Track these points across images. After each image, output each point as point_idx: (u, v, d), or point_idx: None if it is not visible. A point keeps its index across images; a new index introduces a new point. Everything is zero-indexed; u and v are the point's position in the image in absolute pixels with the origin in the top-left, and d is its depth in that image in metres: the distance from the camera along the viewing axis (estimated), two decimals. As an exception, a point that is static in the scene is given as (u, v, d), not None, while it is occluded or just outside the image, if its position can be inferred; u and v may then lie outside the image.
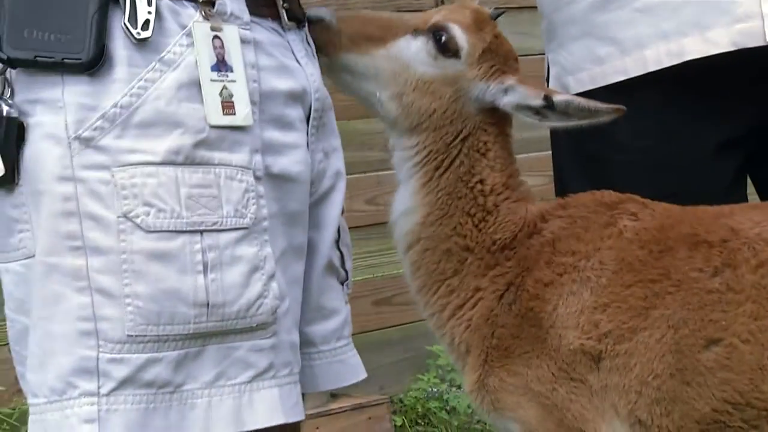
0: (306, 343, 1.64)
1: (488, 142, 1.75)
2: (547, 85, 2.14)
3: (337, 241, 1.72)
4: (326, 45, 1.73)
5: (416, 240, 1.76)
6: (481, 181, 1.74)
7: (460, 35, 1.74)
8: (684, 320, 1.58)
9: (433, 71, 1.73)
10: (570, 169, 2.14)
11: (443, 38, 1.73)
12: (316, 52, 1.69)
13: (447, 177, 1.74)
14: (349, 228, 1.79)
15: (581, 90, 2.01)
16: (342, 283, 1.74)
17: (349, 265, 1.76)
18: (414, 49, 1.74)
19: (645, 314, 1.61)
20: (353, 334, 1.76)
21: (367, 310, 3.45)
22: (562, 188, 2.14)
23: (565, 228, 1.73)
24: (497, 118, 1.76)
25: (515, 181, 1.78)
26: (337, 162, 1.70)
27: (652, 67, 1.92)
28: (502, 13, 1.93)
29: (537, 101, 1.70)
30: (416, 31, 1.75)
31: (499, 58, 1.77)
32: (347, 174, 1.73)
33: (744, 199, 2.07)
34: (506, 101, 1.73)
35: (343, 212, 1.76)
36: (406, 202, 1.77)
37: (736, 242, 1.61)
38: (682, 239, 1.65)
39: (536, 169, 3.29)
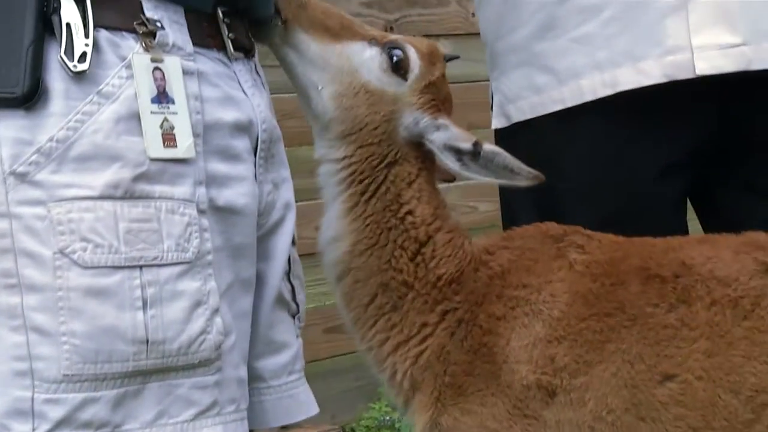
0: (255, 378, 1.62)
1: (412, 173, 1.72)
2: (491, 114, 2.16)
3: (288, 273, 1.69)
4: (288, 12, 1.70)
5: (346, 270, 1.71)
6: (410, 212, 1.70)
7: (414, 58, 1.73)
8: (640, 355, 1.57)
9: (378, 84, 1.71)
10: (516, 197, 2.14)
11: (396, 56, 1.72)
12: (276, 16, 1.67)
13: (374, 204, 1.70)
14: (299, 255, 1.77)
15: (522, 119, 2.03)
16: (293, 316, 1.71)
17: (301, 297, 1.73)
18: (366, 56, 1.72)
19: (601, 348, 1.59)
20: (305, 362, 1.74)
21: (317, 338, 3.42)
22: (509, 216, 2.15)
23: (513, 260, 1.71)
24: (422, 154, 1.74)
25: (444, 212, 1.75)
26: (287, 193, 1.68)
27: (589, 97, 1.94)
28: (456, 57, 1.95)
29: (466, 145, 1.68)
30: (373, 41, 1.74)
31: (440, 97, 1.75)
32: (298, 201, 1.71)
33: (684, 223, 2.09)
34: (435, 137, 1.71)
35: (294, 243, 1.74)
36: (333, 228, 1.72)
37: (689, 278, 1.61)
38: (633, 273, 1.64)
39: (487, 196, 3.31)
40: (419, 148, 1.73)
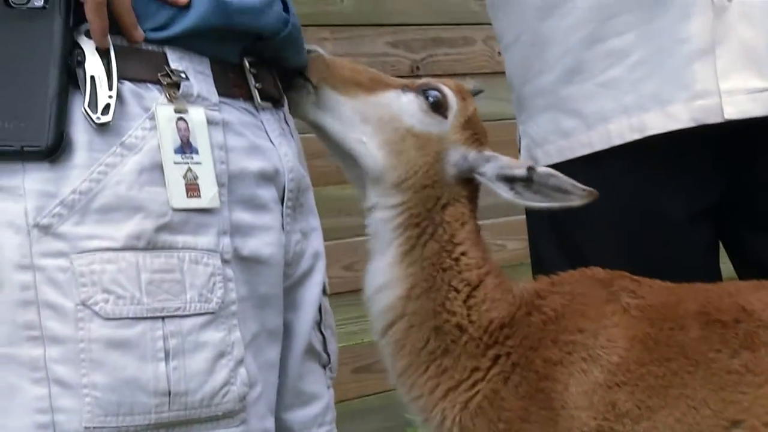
0: (284, 429, 1.60)
1: (465, 213, 1.73)
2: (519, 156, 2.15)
3: (319, 323, 1.68)
4: (316, 77, 1.71)
5: (399, 316, 1.70)
6: (464, 254, 1.70)
7: (450, 96, 1.75)
8: (705, 400, 1.56)
9: (421, 126, 1.72)
10: (542, 239, 2.13)
11: (433, 96, 1.73)
12: (307, 83, 1.68)
13: (431, 246, 1.69)
14: (328, 295, 1.76)
15: (549, 162, 2.01)
16: (324, 367, 1.69)
17: (332, 347, 1.71)
18: (404, 101, 1.73)
19: (663, 393, 1.58)
20: (334, 403, 1.72)
21: (346, 378, 3.40)
22: (536, 258, 2.13)
23: (566, 305, 1.69)
24: (470, 191, 1.75)
25: (490, 257, 1.75)
26: (316, 242, 1.66)
27: (616, 142, 1.93)
28: (481, 91, 1.96)
29: (520, 171, 1.69)
30: (405, 88, 1.75)
31: (480, 131, 1.77)
32: (324, 241, 1.70)
33: (717, 267, 2.06)
34: (486, 169, 1.72)
35: (326, 293, 1.72)
36: (384, 274, 1.71)
37: (751, 324, 1.60)
38: (692, 317, 1.63)
39: (516, 234, 3.29)
40: (467, 186, 1.74)
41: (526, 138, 2.11)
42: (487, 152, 1.74)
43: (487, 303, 1.69)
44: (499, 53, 3.87)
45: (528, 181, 1.68)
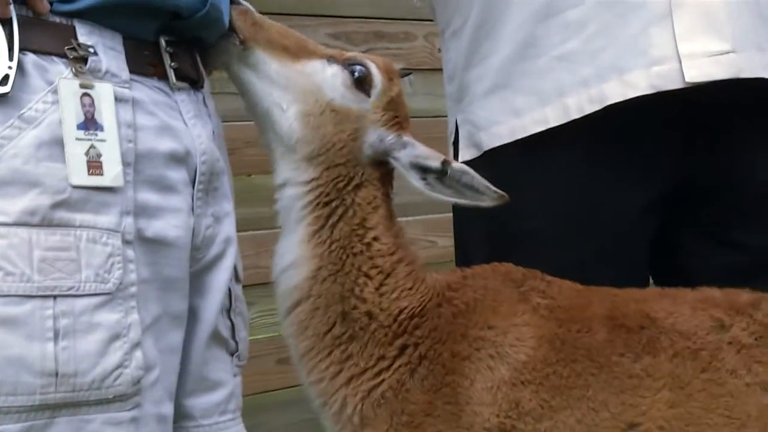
0: (184, 416, 1.57)
1: (377, 197, 1.69)
2: (455, 150, 2.10)
3: (228, 310, 1.65)
4: (245, 33, 1.66)
5: (305, 297, 1.66)
6: (376, 239, 1.67)
7: (376, 73, 1.70)
8: (605, 402, 1.57)
9: (342, 101, 1.68)
10: (471, 235, 2.09)
11: (358, 72, 1.69)
12: (234, 36, 1.63)
13: (341, 227, 1.66)
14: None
15: (497, 144, 1.97)
16: (232, 354, 1.66)
17: (242, 335, 1.69)
18: (329, 74, 1.68)
19: (567, 393, 1.58)
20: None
21: (270, 369, 3.36)
22: (463, 257, 2.10)
23: (478, 300, 1.68)
24: (383, 174, 1.71)
25: (404, 242, 1.72)
26: (228, 227, 1.63)
27: (575, 115, 1.87)
28: (409, 74, 1.92)
29: (434, 163, 1.66)
30: (331, 59, 1.70)
31: (402, 114, 1.73)
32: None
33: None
34: (401, 155, 1.68)
35: (239, 280, 1.69)
36: (292, 253, 1.67)
37: (654, 330, 1.62)
38: (599, 320, 1.64)
39: (446, 230, 3.28)
40: (381, 169, 1.70)
41: (466, 125, 2.06)
42: (406, 137, 1.70)
43: (397, 291, 1.67)
44: (439, 50, 3.87)
45: (441, 174, 1.65)
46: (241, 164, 2.93)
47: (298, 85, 1.67)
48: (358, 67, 1.69)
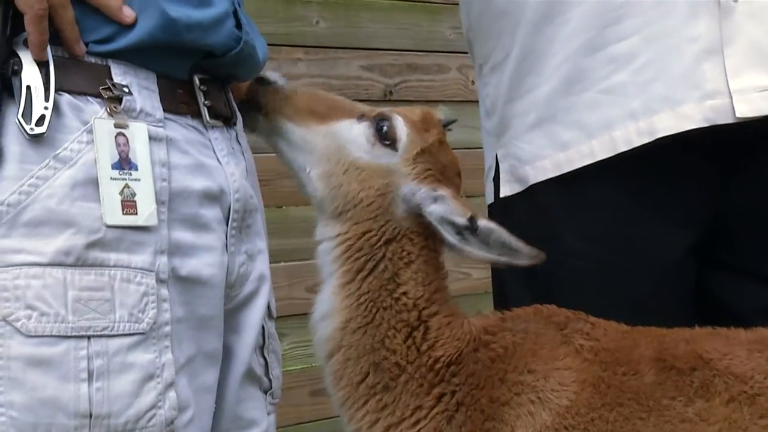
0: None
1: (412, 253, 1.66)
2: (495, 186, 2.06)
3: (262, 348, 1.65)
4: (267, 107, 1.70)
5: (337, 347, 1.65)
6: (405, 294, 1.64)
7: (400, 126, 1.68)
8: None
9: (368, 158, 1.67)
10: (510, 275, 2.06)
11: (384, 127, 1.67)
12: (255, 111, 1.66)
13: (370, 281, 1.64)
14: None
15: (542, 178, 1.93)
16: (266, 392, 1.66)
17: (275, 373, 1.68)
18: (354, 133, 1.68)
19: None
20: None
21: (303, 401, 3.35)
22: (503, 293, 2.07)
23: (518, 344, 1.64)
24: (424, 228, 1.67)
25: (443, 296, 1.68)
26: (262, 265, 1.63)
27: (622, 148, 1.84)
28: (453, 121, 1.87)
29: (461, 219, 1.62)
30: (362, 117, 1.70)
31: (437, 165, 1.70)
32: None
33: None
34: (432, 210, 1.64)
35: (272, 317, 1.69)
36: (326, 303, 1.67)
37: (706, 373, 1.57)
38: (647, 362, 1.59)
39: (477, 262, 3.26)
40: (423, 223, 1.67)
41: (508, 160, 2.02)
42: (439, 191, 1.66)
43: (428, 342, 1.64)
44: (473, 82, 3.88)
45: (470, 231, 1.62)
46: (275, 196, 2.92)
47: (320, 148, 1.68)
48: (383, 122, 1.68)
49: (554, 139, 1.93)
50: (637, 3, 1.84)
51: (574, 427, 1.55)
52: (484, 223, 1.62)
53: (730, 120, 1.80)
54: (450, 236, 1.63)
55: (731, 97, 1.80)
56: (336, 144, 1.68)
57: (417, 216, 1.67)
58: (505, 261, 1.62)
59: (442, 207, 1.64)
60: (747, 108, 1.80)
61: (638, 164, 1.85)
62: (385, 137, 1.67)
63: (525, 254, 1.60)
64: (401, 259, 1.65)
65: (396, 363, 1.63)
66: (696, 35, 1.82)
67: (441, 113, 1.80)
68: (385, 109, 1.74)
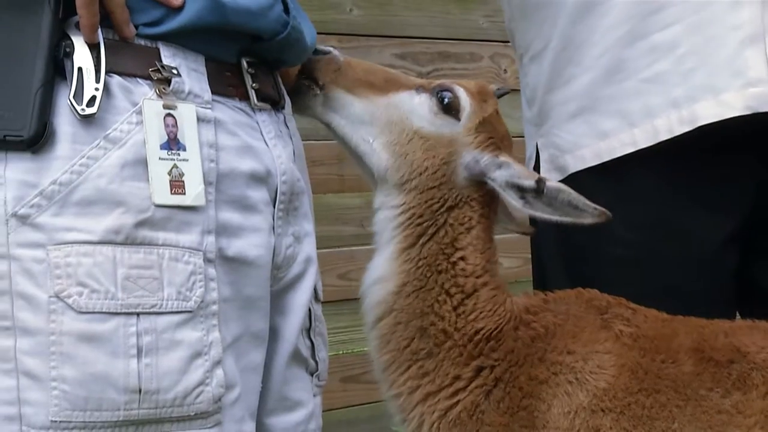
0: None
1: (473, 218, 1.70)
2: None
3: (308, 330, 1.66)
4: (325, 78, 1.72)
5: (388, 311, 1.68)
6: (463, 258, 1.68)
7: (464, 97, 1.73)
8: None
9: (431, 128, 1.71)
10: (551, 259, 2.07)
11: (446, 97, 1.72)
12: (313, 84, 1.68)
13: (429, 246, 1.67)
14: (321, 302, 1.74)
15: (582, 167, 1.95)
16: (312, 374, 1.67)
17: (321, 355, 1.69)
18: (416, 102, 1.72)
19: (650, 424, 1.54)
20: None
21: (334, 387, 3.37)
22: (542, 278, 2.08)
23: (559, 324, 1.66)
24: (484, 195, 1.72)
25: (494, 267, 1.72)
26: (308, 247, 1.64)
27: (664, 136, 1.85)
28: (507, 92, 1.93)
29: (529, 182, 1.65)
30: (420, 88, 1.74)
31: (497, 134, 1.74)
32: (320, 248, 1.68)
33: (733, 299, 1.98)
34: (497, 175, 1.69)
35: (318, 300, 1.70)
36: (381, 269, 1.70)
37: (744, 365, 1.57)
38: (685, 352, 1.60)
39: (512, 251, 3.27)
40: (481, 191, 1.71)
41: (548, 149, 2.05)
42: (502, 158, 1.70)
43: (476, 313, 1.66)
44: (505, 70, 3.88)
45: (537, 193, 1.65)
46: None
47: (383, 118, 1.71)
48: (445, 93, 1.72)
49: (595, 128, 1.94)
50: None
51: (610, 410, 1.56)
52: (551, 184, 1.65)
53: None
54: (514, 200, 1.67)
55: None
56: (399, 114, 1.71)
57: (478, 183, 1.71)
58: (570, 220, 1.64)
59: (508, 171, 1.69)
60: None
61: (679, 153, 1.85)
62: (448, 108, 1.72)
63: (590, 213, 1.63)
64: (462, 224, 1.69)
65: (443, 330, 1.66)
66: (739, 23, 1.82)
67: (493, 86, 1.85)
68: (445, 81, 1.77)
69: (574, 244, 1.97)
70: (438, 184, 1.69)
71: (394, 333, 1.68)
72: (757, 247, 1.97)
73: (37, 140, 1.29)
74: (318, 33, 3.32)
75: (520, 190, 1.67)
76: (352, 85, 1.72)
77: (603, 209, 1.62)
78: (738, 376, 1.56)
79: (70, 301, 1.29)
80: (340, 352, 3.40)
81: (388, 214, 1.71)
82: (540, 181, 1.65)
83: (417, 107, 1.71)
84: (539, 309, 1.70)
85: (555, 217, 1.65)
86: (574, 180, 1.96)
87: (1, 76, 1.30)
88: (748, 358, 1.58)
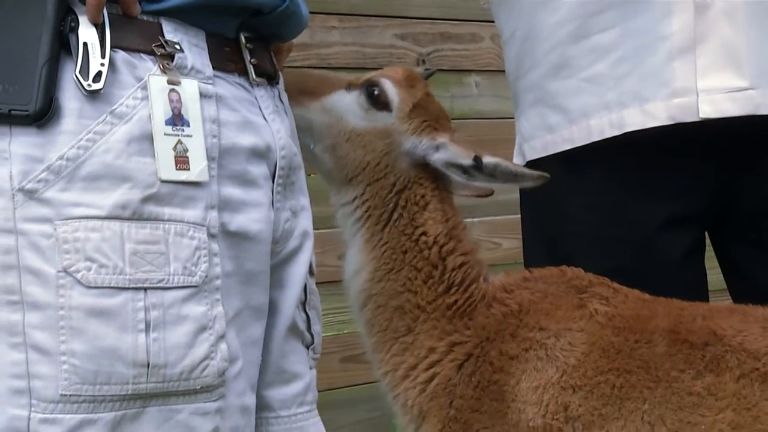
0: (264, 407, 1.59)
1: (426, 195, 1.77)
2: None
3: (304, 303, 1.67)
4: None
5: (368, 297, 1.77)
6: (425, 233, 1.74)
7: (390, 89, 1.78)
8: (662, 418, 1.55)
9: (365, 124, 1.77)
10: (532, 239, 2.13)
11: (375, 92, 1.77)
12: None
13: (389, 231, 1.75)
14: (320, 283, 1.75)
15: (535, 157, 2.02)
16: (307, 347, 1.69)
17: (316, 329, 1.70)
18: (347, 102, 1.78)
19: (619, 404, 1.57)
20: (320, 391, 1.71)
21: (334, 367, 3.39)
22: (527, 256, 2.12)
23: (533, 302, 1.70)
24: (432, 173, 1.78)
25: (460, 233, 1.77)
26: (305, 221, 1.66)
27: (596, 137, 1.92)
28: (433, 72, 2.03)
29: (466, 161, 1.73)
30: (350, 86, 1.79)
31: (431, 115, 1.80)
32: (320, 228, 1.70)
33: (697, 278, 2.02)
34: (436, 158, 1.76)
35: (312, 273, 1.71)
36: (354, 261, 1.79)
37: (719, 348, 1.59)
38: (660, 333, 1.62)
39: (511, 232, 3.28)
40: (428, 169, 1.78)
41: (518, 134, 2.13)
42: (439, 139, 1.76)
43: (444, 284, 1.73)
44: (505, 51, 3.89)
45: (477, 169, 1.72)
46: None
47: (319, 123, 1.79)
48: (373, 88, 1.79)
49: (544, 121, 2.02)
50: None
51: (580, 387, 1.59)
52: (488, 159, 1.72)
53: (694, 119, 1.84)
54: (458, 177, 1.76)
55: (698, 96, 1.84)
56: (333, 116, 1.78)
57: (423, 164, 1.78)
58: (512, 185, 1.75)
59: (446, 153, 1.76)
60: (710, 109, 1.84)
61: (624, 148, 1.91)
62: (377, 101, 1.78)
63: (529, 177, 1.71)
64: (416, 203, 1.77)
65: (417, 305, 1.74)
66: (669, 33, 1.86)
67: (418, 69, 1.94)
68: (370, 75, 1.83)
69: (547, 224, 2.05)
70: (383, 175, 1.76)
71: (377, 316, 1.77)
72: (731, 234, 2.03)
73: (42, 115, 1.30)
74: (318, 13, 3.34)
75: (462, 168, 1.74)
76: (288, 95, 1.73)
77: (541, 173, 1.71)
78: (711, 358, 1.59)
79: (78, 276, 1.30)
80: (340, 333, 3.41)
81: (345, 211, 1.80)
82: (477, 158, 1.72)
83: (349, 107, 1.78)
84: (516, 287, 1.76)
85: (498, 184, 1.75)
86: (538, 164, 2.03)
87: (7, 51, 1.30)
88: (724, 341, 1.60)
